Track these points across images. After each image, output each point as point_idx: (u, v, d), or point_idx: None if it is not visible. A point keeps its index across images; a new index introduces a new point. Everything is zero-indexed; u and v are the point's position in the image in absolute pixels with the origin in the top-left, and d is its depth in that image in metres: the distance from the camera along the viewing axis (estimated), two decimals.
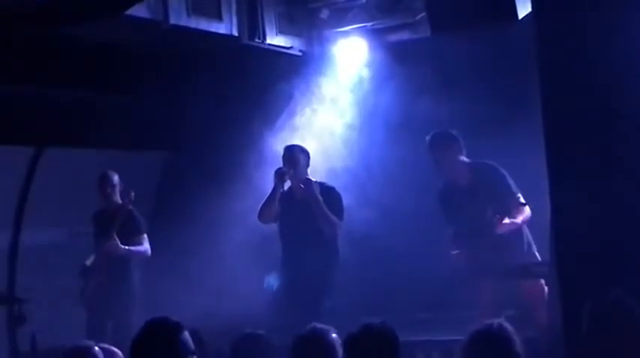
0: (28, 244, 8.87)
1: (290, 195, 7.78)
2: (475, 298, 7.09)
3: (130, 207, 7.99)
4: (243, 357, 5.08)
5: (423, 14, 7.75)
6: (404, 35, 8.70)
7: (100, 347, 5.01)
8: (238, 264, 8.25)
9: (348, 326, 4.47)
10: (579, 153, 5.09)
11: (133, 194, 7.92)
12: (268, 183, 7.89)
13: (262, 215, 7.74)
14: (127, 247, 7.92)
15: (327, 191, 7.74)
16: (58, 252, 9.01)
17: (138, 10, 7.31)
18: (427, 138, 7.28)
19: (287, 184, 7.74)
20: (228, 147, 8.71)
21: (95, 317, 7.97)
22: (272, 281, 7.94)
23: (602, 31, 4.95)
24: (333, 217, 7.62)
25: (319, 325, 4.76)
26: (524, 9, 6.28)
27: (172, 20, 7.64)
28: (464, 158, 7.26)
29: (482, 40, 7.73)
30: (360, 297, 8.22)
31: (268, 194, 7.73)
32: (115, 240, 7.84)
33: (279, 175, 7.66)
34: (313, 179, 7.80)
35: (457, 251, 7.23)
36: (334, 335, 4.66)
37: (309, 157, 7.79)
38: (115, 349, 5.05)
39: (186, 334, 4.11)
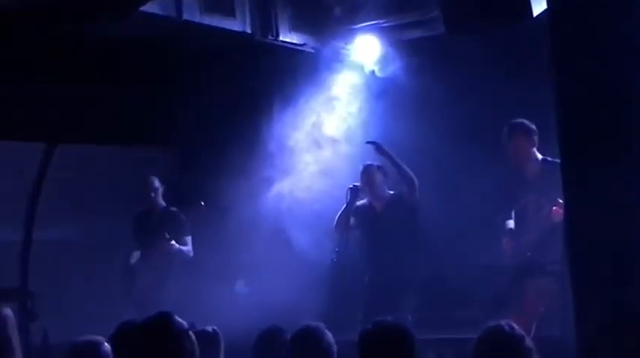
0: (41, 240, 8.90)
1: (370, 209, 8.20)
2: (517, 296, 7.10)
3: (175, 209, 8.41)
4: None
5: (437, 12, 7.73)
6: (417, 33, 8.69)
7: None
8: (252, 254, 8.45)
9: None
10: (595, 151, 5.07)
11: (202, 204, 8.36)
12: (278, 178, 8.39)
13: (337, 226, 8.17)
14: (178, 246, 8.22)
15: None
16: (70, 248, 9.04)
17: (151, 7, 7.32)
18: (506, 126, 7.33)
19: (364, 199, 8.19)
20: (240, 143, 8.73)
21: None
22: (241, 287, 8.56)
23: (623, 29, 4.92)
24: (413, 177, 7.94)
25: (314, 323, 4.82)
26: (539, 6, 6.25)
27: (185, 17, 7.66)
28: (537, 153, 7.28)
29: (496, 38, 7.73)
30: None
31: (343, 208, 8.12)
32: (170, 239, 8.15)
33: (353, 191, 8.07)
34: (391, 191, 8.18)
35: (506, 239, 7.32)
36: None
37: (385, 174, 8.15)
38: None
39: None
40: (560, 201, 6.84)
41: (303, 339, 4.75)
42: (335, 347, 4.76)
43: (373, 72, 9.03)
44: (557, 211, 6.88)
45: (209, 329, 5.38)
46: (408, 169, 7.97)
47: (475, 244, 7.86)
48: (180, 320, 4.16)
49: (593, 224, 5.00)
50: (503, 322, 4.04)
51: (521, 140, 7.25)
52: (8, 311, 5.06)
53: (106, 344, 4.82)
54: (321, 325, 4.89)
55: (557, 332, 6.31)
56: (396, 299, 7.71)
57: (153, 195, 8.46)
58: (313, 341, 4.73)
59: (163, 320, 4.11)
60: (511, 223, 7.37)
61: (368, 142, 8.12)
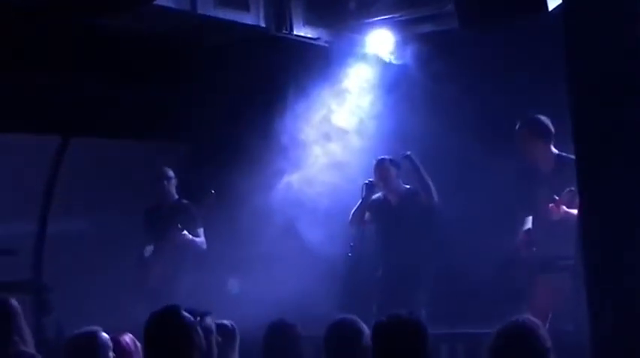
0: (55, 233, 8.93)
1: (385, 203, 8.26)
2: (530, 291, 7.11)
3: (187, 201, 8.41)
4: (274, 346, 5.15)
5: (450, 6, 7.70)
6: (430, 27, 8.69)
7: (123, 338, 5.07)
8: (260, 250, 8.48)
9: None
10: (609, 149, 5.04)
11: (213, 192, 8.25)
12: (291, 170, 8.49)
13: (352, 221, 8.26)
14: (191, 236, 8.24)
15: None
16: (82, 241, 9.07)
17: (165, 1, 7.34)
18: (517, 125, 7.28)
19: (379, 193, 8.25)
20: (254, 137, 8.73)
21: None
22: (234, 284, 8.55)
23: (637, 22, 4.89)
24: (433, 191, 8.00)
25: (349, 316, 4.82)
26: (554, 0, 6.21)
27: (200, 11, 7.67)
28: (553, 148, 7.21)
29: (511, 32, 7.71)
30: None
31: (358, 203, 8.19)
32: (182, 229, 8.17)
33: (369, 187, 8.14)
34: (407, 186, 8.23)
35: (523, 234, 7.29)
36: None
37: (399, 167, 8.22)
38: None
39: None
40: (557, 197, 6.87)
41: (339, 332, 4.74)
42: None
43: (386, 64, 9.03)
44: (554, 209, 6.89)
45: (227, 323, 5.41)
46: (430, 183, 8.01)
47: (487, 239, 7.84)
48: (187, 314, 4.17)
49: (607, 224, 4.98)
50: (522, 317, 4.02)
51: (532, 139, 7.20)
52: (15, 302, 5.13)
53: (103, 333, 4.86)
54: (356, 317, 4.88)
55: (571, 327, 6.29)
56: (409, 294, 7.73)
57: (165, 183, 8.45)
58: (350, 333, 4.73)
59: (171, 313, 4.13)
60: (530, 221, 7.35)
61: (404, 156, 8.16)
